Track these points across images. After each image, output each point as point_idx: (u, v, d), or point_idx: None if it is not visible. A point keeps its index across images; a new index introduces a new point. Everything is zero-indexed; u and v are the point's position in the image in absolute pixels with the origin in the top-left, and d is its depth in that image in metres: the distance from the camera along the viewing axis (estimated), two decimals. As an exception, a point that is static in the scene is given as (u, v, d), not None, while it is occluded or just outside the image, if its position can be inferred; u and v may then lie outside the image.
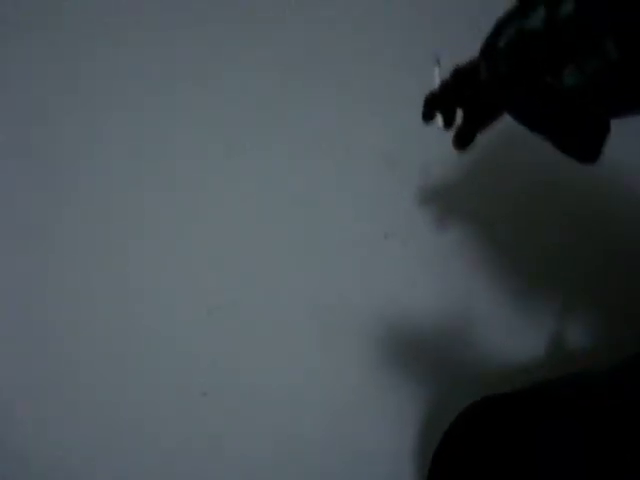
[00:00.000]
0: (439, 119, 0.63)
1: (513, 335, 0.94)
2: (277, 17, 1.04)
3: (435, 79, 0.64)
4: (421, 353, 0.93)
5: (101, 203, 0.96)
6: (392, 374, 0.92)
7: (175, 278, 0.94)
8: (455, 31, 0.99)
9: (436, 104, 0.64)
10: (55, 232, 0.95)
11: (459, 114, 0.63)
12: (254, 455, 0.90)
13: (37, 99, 0.99)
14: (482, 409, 0.78)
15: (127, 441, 0.87)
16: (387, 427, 0.90)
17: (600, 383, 0.77)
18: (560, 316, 0.96)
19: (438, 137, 0.66)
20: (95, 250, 0.94)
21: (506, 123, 0.59)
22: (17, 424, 0.88)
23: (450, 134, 0.65)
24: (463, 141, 0.64)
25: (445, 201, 1.00)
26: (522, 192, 0.99)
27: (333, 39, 1.03)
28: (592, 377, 0.80)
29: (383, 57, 1.03)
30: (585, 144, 0.53)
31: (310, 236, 0.96)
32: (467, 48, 0.59)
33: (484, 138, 0.66)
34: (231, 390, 0.90)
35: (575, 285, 0.97)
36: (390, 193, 0.99)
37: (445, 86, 0.63)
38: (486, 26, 0.54)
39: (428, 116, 0.64)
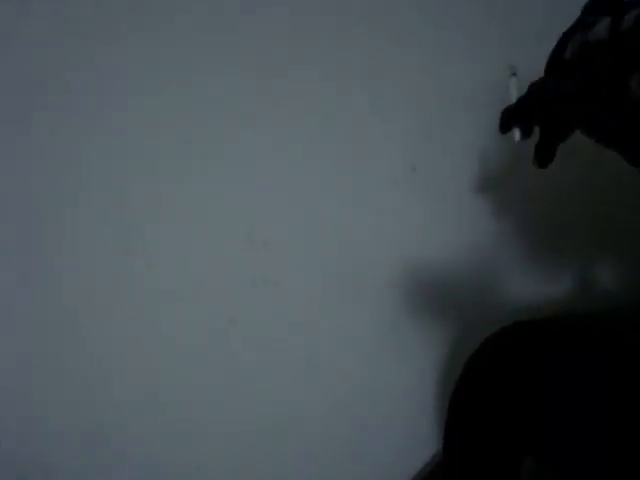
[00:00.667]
0: (516, 132, 0.62)
1: (537, 279, 0.95)
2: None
3: (511, 91, 0.63)
4: (442, 297, 0.95)
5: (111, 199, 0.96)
6: (413, 319, 0.94)
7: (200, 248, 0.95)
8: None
9: (513, 117, 0.62)
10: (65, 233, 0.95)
11: (536, 130, 0.62)
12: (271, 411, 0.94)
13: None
14: (509, 334, 0.81)
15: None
16: (408, 370, 0.94)
17: (625, 320, 0.80)
18: (586, 259, 0.98)
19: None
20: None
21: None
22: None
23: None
24: (543, 158, 0.62)
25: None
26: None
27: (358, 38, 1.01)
28: (617, 314, 0.83)
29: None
30: None
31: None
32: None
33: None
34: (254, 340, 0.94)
35: (601, 227, 0.97)
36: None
37: (522, 101, 0.62)
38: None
39: (505, 129, 0.63)
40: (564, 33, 0.54)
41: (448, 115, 0.96)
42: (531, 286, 0.95)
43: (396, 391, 0.94)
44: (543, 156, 0.62)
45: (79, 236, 0.95)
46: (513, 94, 0.62)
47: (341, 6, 0.98)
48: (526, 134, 0.62)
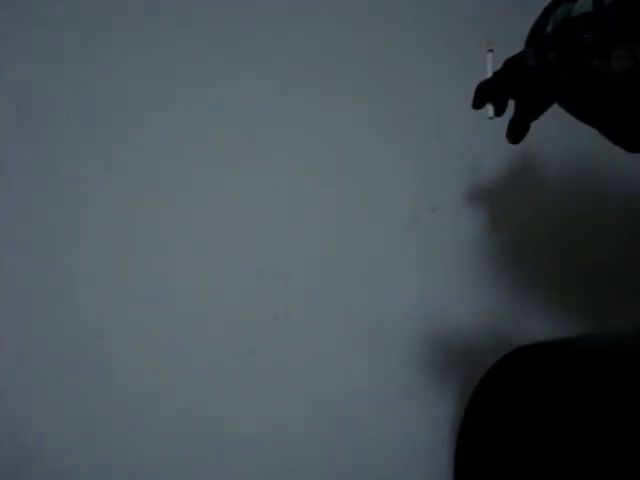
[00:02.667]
0: (490, 108, 0.62)
1: (545, 320, 0.98)
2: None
3: (487, 67, 0.62)
4: (454, 348, 0.96)
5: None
6: (425, 360, 0.95)
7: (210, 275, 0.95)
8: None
9: (487, 93, 0.62)
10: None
11: (510, 104, 0.62)
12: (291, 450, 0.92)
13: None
14: (512, 360, 0.82)
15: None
16: (422, 414, 0.95)
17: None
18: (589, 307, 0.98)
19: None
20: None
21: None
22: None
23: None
24: (517, 133, 0.62)
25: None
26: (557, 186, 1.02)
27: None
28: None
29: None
30: (633, 132, 0.53)
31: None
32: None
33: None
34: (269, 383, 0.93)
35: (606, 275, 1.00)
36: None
37: (497, 75, 0.61)
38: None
39: (478, 105, 0.63)
40: (545, 7, 0.54)
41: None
42: (539, 327, 0.96)
43: (412, 440, 0.95)
44: (517, 131, 0.62)
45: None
46: (489, 69, 0.62)
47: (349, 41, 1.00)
48: (500, 111, 0.62)
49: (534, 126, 0.61)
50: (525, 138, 0.61)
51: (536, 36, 0.55)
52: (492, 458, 0.83)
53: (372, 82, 1.01)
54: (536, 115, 0.61)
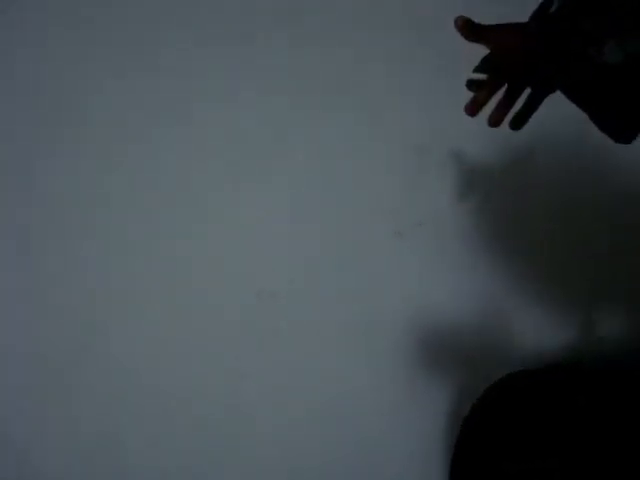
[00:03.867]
0: (475, 75, 0.62)
1: (544, 329, 0.97)
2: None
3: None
4: (451, 349, 0.96)
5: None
6: (424, 368, 0.95)
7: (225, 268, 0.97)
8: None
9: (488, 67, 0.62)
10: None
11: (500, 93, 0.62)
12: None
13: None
14: (511, 382, 0.83)
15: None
16: (421, 418, 0.94)
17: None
18: (589, 308, 0.99)
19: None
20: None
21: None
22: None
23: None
24: (520, 120, 0.63)
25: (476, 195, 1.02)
26: (553, 188, 1.02)
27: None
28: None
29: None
30: (621, 123, 0.53)
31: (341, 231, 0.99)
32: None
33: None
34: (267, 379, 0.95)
35: (603, 277, 1.00)
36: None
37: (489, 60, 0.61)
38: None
39: (472, 86, 0.63)
40: None
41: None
42: (537, 332, 0.96)
43: (410, 440, 0.95)
44: (520, 119, 0.63)
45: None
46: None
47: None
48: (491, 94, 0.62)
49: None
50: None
51: (540, 15, 0.55)
52: (492, 464, 0.82)
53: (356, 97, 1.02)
54: (536, 103, 0.62)
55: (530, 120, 0.62)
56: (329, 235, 0.99)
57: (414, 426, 0.94)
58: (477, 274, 0.99)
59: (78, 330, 0.95)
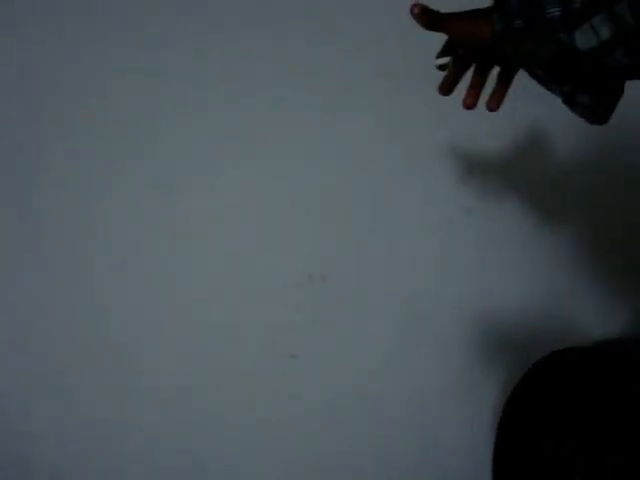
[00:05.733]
0: (443, 59, 0.63)
1: (593, 313, 0.98)
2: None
3: None
4: (503, 337, 0.97)
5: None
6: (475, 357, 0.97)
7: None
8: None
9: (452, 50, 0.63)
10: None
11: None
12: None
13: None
14: (555, 360, 0.84)
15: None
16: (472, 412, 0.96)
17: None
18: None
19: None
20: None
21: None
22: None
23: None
24: (494, 100, 0.63)
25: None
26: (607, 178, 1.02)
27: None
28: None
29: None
30: (596, 105, 0.53)
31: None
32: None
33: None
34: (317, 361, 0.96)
35: None
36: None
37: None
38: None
39: (441, 68, 0.64)
40: None
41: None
42: (586, 320, 0.97)
43: (456, 426, 0.97)
44: (495, 98, 0.63)
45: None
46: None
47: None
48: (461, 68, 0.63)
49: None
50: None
51: (502, 1, 0.54)
52: (534, 445, 0.82)
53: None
54: (511, 77, 0.63)
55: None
56: (378, 221, 1.00)
57: (463, 413, 0.96)
58: (522, 259, 0.99)
59: (81, 329, 0.95)
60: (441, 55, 0.63)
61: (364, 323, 0.98)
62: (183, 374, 0.95)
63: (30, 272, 0.94)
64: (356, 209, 1.00)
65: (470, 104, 0.63)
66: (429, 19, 0.57)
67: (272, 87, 1.00)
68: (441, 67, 0.63)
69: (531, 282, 0.98)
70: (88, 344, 0.94)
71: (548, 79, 0.55)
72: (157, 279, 0.96)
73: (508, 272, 0.99)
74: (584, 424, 0.77)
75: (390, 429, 0.96)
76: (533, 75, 0.56)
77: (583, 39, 0.47)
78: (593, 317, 0.98)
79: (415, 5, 0.56)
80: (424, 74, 0.89)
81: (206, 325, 0.96)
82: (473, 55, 0.62)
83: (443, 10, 0.58)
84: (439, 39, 0.62)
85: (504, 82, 0.63)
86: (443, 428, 0.96)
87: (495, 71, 0.64)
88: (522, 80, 0.61)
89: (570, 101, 0.55)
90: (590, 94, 0.53)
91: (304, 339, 0.97)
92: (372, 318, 0.98)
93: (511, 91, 0.64)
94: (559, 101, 0.57)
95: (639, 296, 0.99)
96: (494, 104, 0.63)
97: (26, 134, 0.96)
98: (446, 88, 0.64)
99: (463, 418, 0.97)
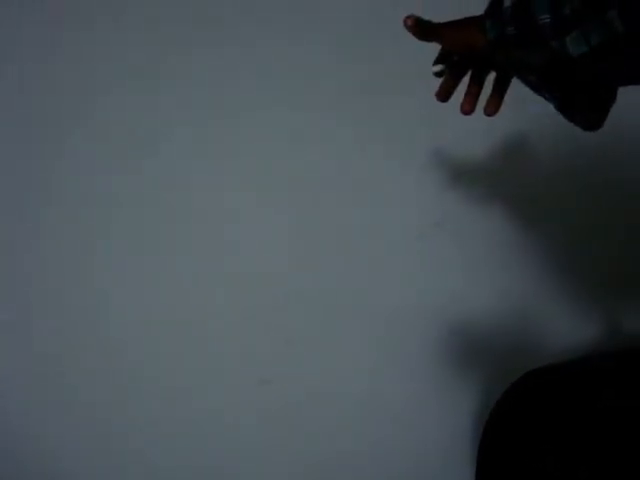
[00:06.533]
0: (438, 67, 0.63)
1: (568, 326, 0.98)
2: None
3: None
4: (474, 347, 0.97)
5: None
6: (448, 368, 0.96)
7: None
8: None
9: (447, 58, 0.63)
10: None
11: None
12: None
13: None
14: (531, 380, 0.84)
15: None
16: (446, 420, 0.95)
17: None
18: (610, 305, 0.99)
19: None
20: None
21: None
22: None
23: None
24: (492, 105, 0.63)
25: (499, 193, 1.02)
26: (571, 179, 1.02)
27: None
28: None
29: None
30: (589, 111, 0.54)
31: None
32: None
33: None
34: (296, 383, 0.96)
35: (626, 275, 1.00)
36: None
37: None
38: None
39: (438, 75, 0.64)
40: None
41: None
42: (559, 331, 0.96)
43: (437, 437, 0.96)
44: (493, 103, 0.63)
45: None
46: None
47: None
48: (456, 76, 0.64)
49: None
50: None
51: (494, 9, 0.54)
52: (517, 460, 0.83)
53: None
54: (507, 82, 0.63)
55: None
56: (352, 235, 1.00)
57: (440, 424, 0.96)
58: (499, 273, 0.99)
59: (81, 330, 0.96)
60: (437, 62, 0.64)
61: (340, 338, 0.98)
62: (183, 374, 0.95)
63: (29, 272, 0.95)
64: (326, 225, 1.00)
65: (468, 110, 0.64)
66: (422, 30, 0.58)
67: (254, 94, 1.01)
68: (438, 74, 0.64)
69: (503, 295, 0.99)
70: (88, 344, 0.95)
71: (541, 86, 0.55)
72: (157, 280, 0.97)
73: (478, 283, 0.99)
74: (559, 441, 0.78)
75: (367, 448, 0.96)
76: (525, 82, 0.57)
77: (574, 45, 0.48)
78: (567, 328, 0.99)
79: (408, 17, 0.57)
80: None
81: (206, 324, 0.97)
82: (468, 62, 0.63)
83: (436, 19, 0.59)
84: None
85: (500, 87, 0.64)
86: (422, 445, 0.96)
87: (491, 76, 0.64)
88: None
89: (563, 108, 0.56)
90: (583, 100, 0.54)
91: (283, 359, 0.97)
92: (348, 334, 0.98)
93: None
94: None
95: (611, 308, 0.99)
96: (491, 109, 0.64)
97: (26, 136, 0.97)
98: (443, 95, 0.65)
99: (442, 433, 0.97)
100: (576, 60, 0.49)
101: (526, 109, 0.77)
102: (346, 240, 1.00)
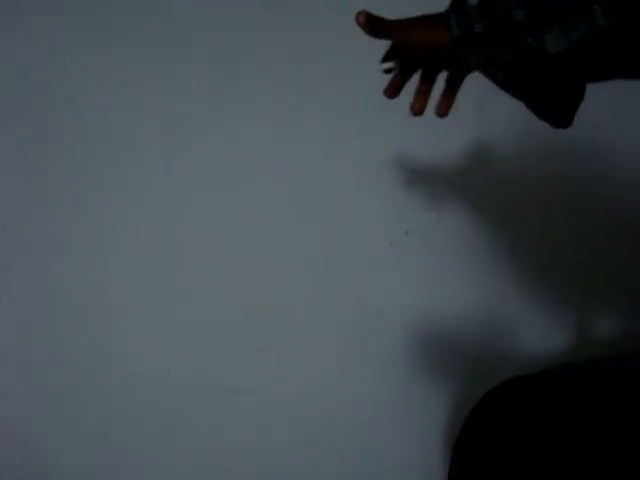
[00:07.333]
0: (388, 65, 0.61)
1: (542, 332, 0.97)
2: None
3: None
4: (449, 353, 0.97)
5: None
6: (421, 374, 0.96)
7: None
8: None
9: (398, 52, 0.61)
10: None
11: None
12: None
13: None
14: (507, 388, 0.82)
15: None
16: (418, 424, 0.95)
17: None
18: (588, 310, 0.97)
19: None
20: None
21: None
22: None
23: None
24: (442, 106, 0.61)
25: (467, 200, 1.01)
26: (547, 188, 1.01)
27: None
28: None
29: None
30: (559, 109, 0.53)
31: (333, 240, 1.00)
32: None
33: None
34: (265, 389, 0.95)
35: (599, 281, 0.99)
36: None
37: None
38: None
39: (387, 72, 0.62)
40: None
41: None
42: (533, 337, 0.95)
43: (410, 443, 0.96)
44: (444, 104, 0.61)
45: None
46: None
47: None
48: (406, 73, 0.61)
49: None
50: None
51: (459, 6, 0.52)
52: (490, 467, 0.83)
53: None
54: (459, 81, 0.61)
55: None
56: (328, 243, 1.00)
57: (413, 430, 0.95)
58: (475, 278, 0.98)
59: (87, 334, 0.97)
60: (386, 59, 0.60)
61: (310, 344, 0.98)
62: (183, 374, 0.97)
63: (30, 272, 0.97)
64: (299, 232, 1.00)
65: (418, 110, 0.60)
66: (374, 27, 0.54)
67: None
68: (387, 71, 0.61)
69: (476, 300, 0.98)
70: (88, 344, 0.96)
71: (509, 84, 0.54)
72: (153, 282, 0.98)
73: (450, 289, 0.98)
74: (534, 448, 0.77)
75: (336, 451, 0.96)
76: (494, 80, 0.55)
77: (553, 41, 0.46)
78: (542, 334, 0.98)
79: (360, 13, 0.54)
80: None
81: (206, 324, 0.97)
82: (421, 60, 0.60)
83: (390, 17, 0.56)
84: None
85: (453, 86, 0.61)
86: (392, 451, 0.96)
87: (442, 75, 0.62)
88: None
89: (532, 106, 0.54)
90: (552, 98, 0.52)
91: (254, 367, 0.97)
92: (318, 338, 0.98)
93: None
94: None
95: (587, 314, 0.97)
96: (443, 110, 0.61)
97: (25, 141, 0.99)
98: (392, 92, 0.61)
99: (412, 440, 0.96)
100: (552, 56, 0.47)
101: (495, 112, 0.75)
102: (321, 246, 1.00)
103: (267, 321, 0.98)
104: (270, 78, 1.04)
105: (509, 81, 0.53)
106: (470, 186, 1.02)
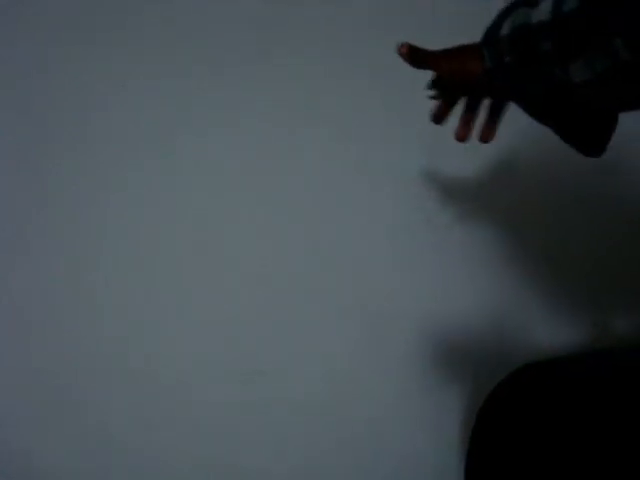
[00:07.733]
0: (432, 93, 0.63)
1: (554, 327, 0.96)
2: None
3: None
4: (461, 347, 0.97)
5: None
6: (435, 367, 0.96)
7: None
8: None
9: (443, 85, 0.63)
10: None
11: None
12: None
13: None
14: (520, 376, 0.82)
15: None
16: (432, 418, 0.95)
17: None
18: (599, 305, 0.97)
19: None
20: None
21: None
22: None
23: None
24: (486, 132, 0.63)
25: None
26: (560, 185, 1.01)
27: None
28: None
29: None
30: (591, 137, 0.53)
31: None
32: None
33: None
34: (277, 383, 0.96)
35: (616, 279, 0.99)
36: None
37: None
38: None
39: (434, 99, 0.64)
40: (501, 10, 0.53)
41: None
42: (546, 331, 0.95)
43: (424, 437, 0.96)
44: (487, 130, 0.63)
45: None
46: None
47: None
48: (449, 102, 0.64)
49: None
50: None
51: (491, 38, 0.53)
52: (506, 458, 0.83)
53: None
54: (502, 110, 0.62)
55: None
56: (342, 238, 1.00)
57: (427, 427, 0.95)
58: (487, 273, 0.98)
59: (87, 334, 0.97)
60: (430, 87, 0.63)
61: (322, 338, 0.98)
62: (183, 374, 0.97)
63: (30, 272, 0.97)
64: (318, 218, 1.01)
65: (462, 137, 0.63)
66: (416, 58, 0.57)
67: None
68: (433, 97, 0.63)
69: (486, 294, 0.98)
70: (88, 344, 0.96)
71: (540, 113, 0.54)
72: (152, 282, 0.98)
73: (459, 284, 0.99)
74: (549, 439, 0.77)
75: (351, 448, 0.96)
76: (525, 109, 0.56)
77: (578, 72, 0.47)
78: (550, 329, 0.98)
79: (402, 45, 0.57)
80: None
81: (206, 324, 0.98)
82: (462, 89, 0.61)
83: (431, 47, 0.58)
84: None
85: (495, 114, 0.63)
86: (406, 447, 0.96)
87: (486, 102, 0.63)
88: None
89: (562, 134, 0.55)
90: (583, 127, 0.53)
91: (266, 359, 0.98)
92: (330, 333, 0.98)
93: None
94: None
95: (594, 309, 0.97)
96: (486, 136, 0.63)
97: (25, 141, 1.00)
98: (437, 119, 0.64)
99: (426, 435, 0.96)
100: (577, 85, 0.48)
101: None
102: (329, 241, 1.00)
103: (276, 316, 0.98)
104: (270, 78, 1.04)
105: (539, 110, 0.54)
106: (478, 186, 1.02)
